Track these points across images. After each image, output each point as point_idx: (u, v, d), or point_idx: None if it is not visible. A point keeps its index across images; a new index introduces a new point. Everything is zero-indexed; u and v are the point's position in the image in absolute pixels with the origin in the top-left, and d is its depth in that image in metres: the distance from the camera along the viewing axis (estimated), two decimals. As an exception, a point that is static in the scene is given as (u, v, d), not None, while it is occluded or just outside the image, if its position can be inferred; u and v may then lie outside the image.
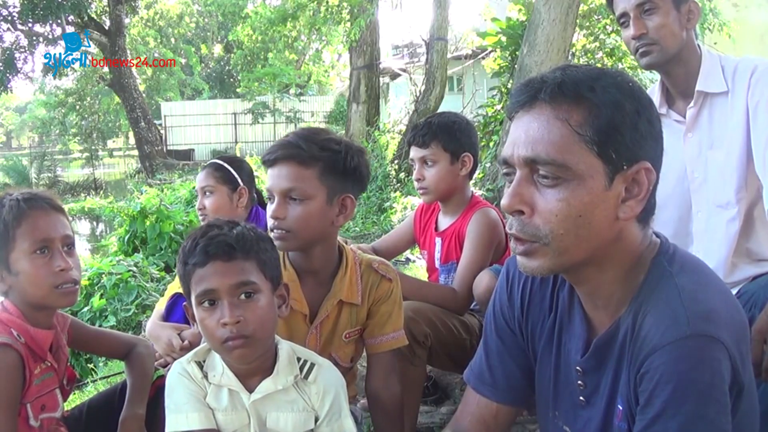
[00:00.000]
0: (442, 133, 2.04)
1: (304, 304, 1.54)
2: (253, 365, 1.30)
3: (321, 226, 1.48)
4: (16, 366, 1.37)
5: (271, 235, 1.45)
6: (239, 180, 2.24)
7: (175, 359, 1.48)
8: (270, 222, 1.48)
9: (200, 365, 1.32)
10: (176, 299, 2.00)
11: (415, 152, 2.10)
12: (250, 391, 1.30)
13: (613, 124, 0.93)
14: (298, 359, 1.35)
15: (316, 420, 1.33)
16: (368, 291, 1.59)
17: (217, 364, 1.31)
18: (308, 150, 1.45)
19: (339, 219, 1.51)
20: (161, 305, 2.06)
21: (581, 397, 1.08)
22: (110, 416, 1.63)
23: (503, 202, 0.98)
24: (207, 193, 2.22)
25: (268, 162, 1.49)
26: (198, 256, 1.23)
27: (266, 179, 1.51)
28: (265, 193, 1.58)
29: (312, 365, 1.34)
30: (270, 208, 1.48)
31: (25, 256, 1.43)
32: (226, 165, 2.25)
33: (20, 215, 1.43)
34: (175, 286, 2.12)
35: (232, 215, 2.07)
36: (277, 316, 1.31)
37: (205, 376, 1.31)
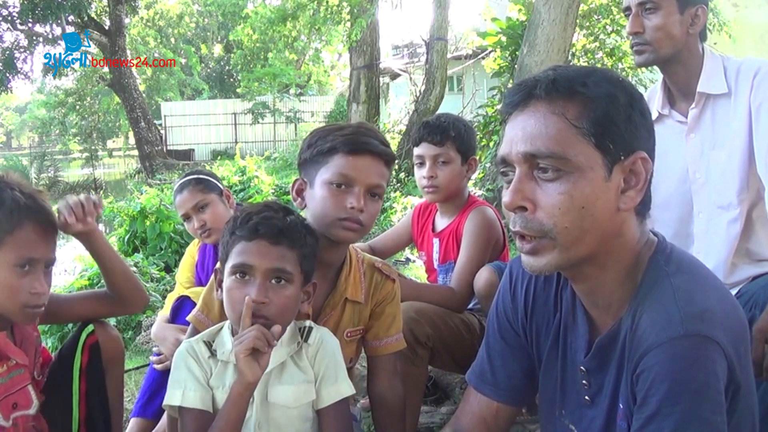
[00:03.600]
0: (456, 134, 2.04)
1: None
2: None
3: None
4: None
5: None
6: (219, 184, 2.21)
7: None
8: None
9: (209, 345, 1.36)
10: (182, 302, 2.00)
11: (427, 149, 2.05)
12: None
13: (608, 115, 0.95)
14: (299, 328, 1.39)
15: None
16: (372, 290, 1.59)
17: (226, 342, 1.35)
18: (391, 152, 1.51)
19: None
20: (165, 311, 2.06)
21: (586, 397, 1.09)
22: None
23: (504, 199, 0.98)
24: (202, 209, 2.13)
25: (361, 151, 1.43)
26: (247, 230, 1.28)
27: (343, 166, 1.42)
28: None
29: (311, 328, 1.39)
30: (348, 197, 1.41)
31: (6, 267, 1.35)
32: (203, 176, 2.21)
33: (17, 223, 1.35)
34: (174, 295, 2.12)
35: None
36: (298, 309, 1.35)
37: (213, 354, 1.34)
